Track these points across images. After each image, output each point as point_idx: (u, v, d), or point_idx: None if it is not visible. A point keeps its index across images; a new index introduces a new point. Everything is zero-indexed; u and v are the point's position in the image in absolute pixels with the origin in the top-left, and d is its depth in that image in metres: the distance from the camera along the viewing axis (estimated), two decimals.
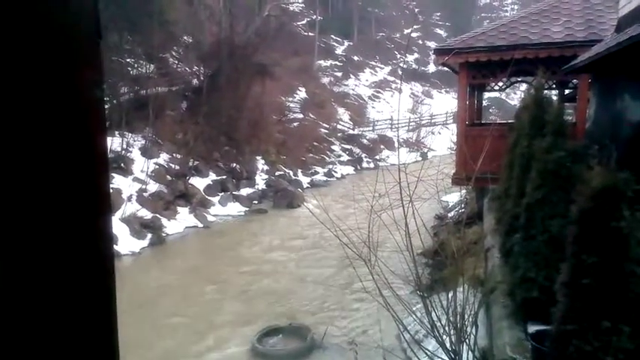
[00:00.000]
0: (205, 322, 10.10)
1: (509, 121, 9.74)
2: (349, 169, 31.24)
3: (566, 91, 14.58)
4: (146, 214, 16.72)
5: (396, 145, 32.10)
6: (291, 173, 26.46)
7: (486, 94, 22.25)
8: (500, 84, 14.48)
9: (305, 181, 26.53)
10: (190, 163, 20.99)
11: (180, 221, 17.86)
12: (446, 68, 12.30)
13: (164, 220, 17.20)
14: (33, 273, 0.45)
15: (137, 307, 10.19)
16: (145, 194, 17.71)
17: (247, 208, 20.66)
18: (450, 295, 5.09)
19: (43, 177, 0.46)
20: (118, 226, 15.05)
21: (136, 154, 19.61)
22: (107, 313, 0.52)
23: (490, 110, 42.54)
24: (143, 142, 20.22)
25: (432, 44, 46.45)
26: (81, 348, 0.49)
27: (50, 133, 0.46)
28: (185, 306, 10.93)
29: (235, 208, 20.46)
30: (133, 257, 14.56)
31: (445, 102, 47.25)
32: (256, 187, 23.10)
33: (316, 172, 28.57)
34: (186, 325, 9.97)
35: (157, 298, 11.39)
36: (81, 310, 0.49)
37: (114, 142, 18.82)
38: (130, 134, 19.92)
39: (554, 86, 14.44)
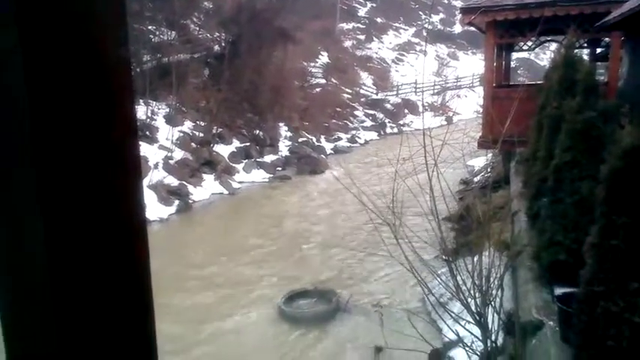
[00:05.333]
0: (233, 285, 10.34)
1: (538, 82, 9.48)
2: (373, 135, 31.00)
3: (598, 50, 14.09)
4: (172, 181, 17.00)
5: (421, 109, 31.64)
6: (314, 140, 26.40)
7: (515, 55, 21.61)
8: (530, 43, 14.03)
9: (328, 147, 26.48)
10: (214, 131, 21.12)
11: (206, 188, 18.13)
12: (473, 28, 11.96)
13: (190, 187, 17.47)
14: (68, 241, 0.46)
15: (167, 271, 10.47)
16: (170, 162, 17.97)
17: (271, 175, 20.80)
18: (476, 259, 5.08)
19: (69, 139, 0.46)
20: (145, 194, 15.30)
21: (160, 122, 19.80)
22: (142, 279, 0.53)
23: (518, 71, 41.38)
24: (167, 110, 20.38)
25: (459, 3, 45.01)
26: (119, 313, 0.51)
27: (75, 94, 0.46)
28: (214, 270, 11.20)
29: (259, 175, 20.63)
30: (162, 223, 14.89)
31: (472, 64, 46.04)
32: (279, 153, 23.17)
33: (339, 138, 28.45)
34: (215, 290, 10.23)
35: (186, 263, 11.67)
36: (117, 278, 0.50)
37: (139, 111, 19.01)
38: (155, 102, 20.08)
39: (585, 45, 13.95)
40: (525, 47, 14.82)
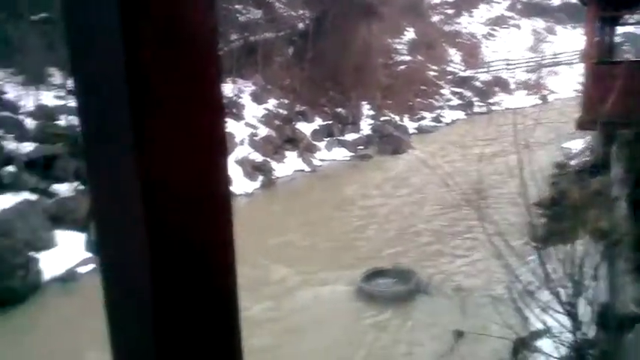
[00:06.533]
0: (314, 260, 10.55)
1: None
2: (459, 114, 29.91)
3: None
4: (257, 157, 17.57)
5: (513, 87, 30.06)
6: (397, 118, 25.94)
7: (619, 29, 19.84)
8: (637, 17, 12.82)
9: (411, 126, 25.96)
10: (297, 109, 21.42)
11: (288, 165, 18.56)
12: (573, 0, 11.09)
13: (273, 164, 17.96)
14: (163, 216, 0.48)
15: (254, 245, 10.87)
16: (255, 138, 18.52)
17: (352, 154, 20.83)
18: (569, 246, 4.81)
19: (162, 117, 0.47)
20: (232, 168, 16.00)
21: (247, 99, 20.40)
22: (227, 251, 0.54)
23: (623, 47, 37.97)
24: (253, 88, 20.91)
25: None
26: (208, 289, 0.52)
27: (167, 74, 0.47)
28: (297, 244, 11.48)
29: (341, 153, 20.73)
30: (247, 198, 15.48)
31: (571, 39, 42.81)
32: (361, 132, 23.08)
33: (423, 118, 27.73)
34: (297, 263, 10.49)
35: (269, 238, 12.04)
36: (203, 250, 0.51)
37: (227, 89, 19.68)
38: (241, 80, 20.68)
39: None
40: (632, 20, 13.56)
